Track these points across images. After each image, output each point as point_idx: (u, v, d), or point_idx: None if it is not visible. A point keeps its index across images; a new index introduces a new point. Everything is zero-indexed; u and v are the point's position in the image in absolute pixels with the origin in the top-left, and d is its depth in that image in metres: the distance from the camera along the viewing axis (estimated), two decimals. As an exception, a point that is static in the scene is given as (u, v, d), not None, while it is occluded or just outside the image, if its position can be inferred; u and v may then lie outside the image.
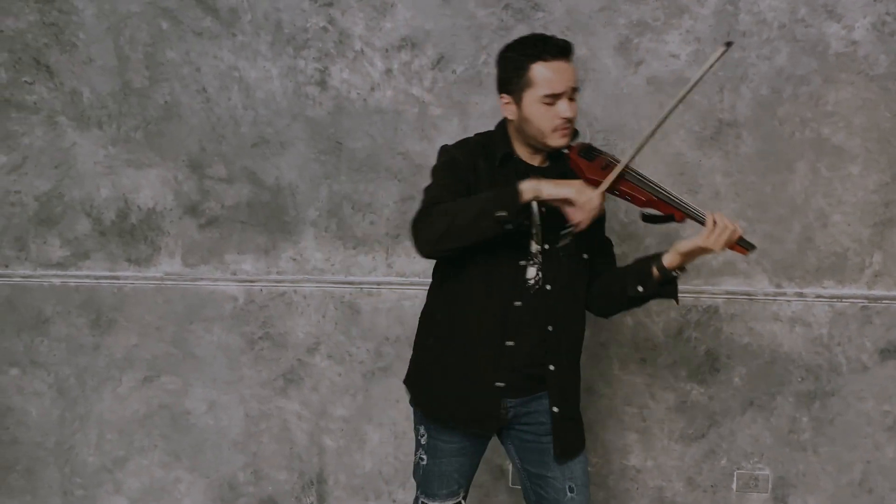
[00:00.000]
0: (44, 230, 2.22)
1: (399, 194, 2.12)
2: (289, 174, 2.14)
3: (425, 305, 1.65)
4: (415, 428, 1.66)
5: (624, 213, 2.08)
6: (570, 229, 1.44)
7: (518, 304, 1.51)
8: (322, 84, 2.08)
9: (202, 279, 2.21)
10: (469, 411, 1.55)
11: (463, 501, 1.68)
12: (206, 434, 2.27)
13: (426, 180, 1.54)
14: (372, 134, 2.10)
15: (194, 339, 2.23)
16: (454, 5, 2.00)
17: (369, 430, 2.24)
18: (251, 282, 2.20)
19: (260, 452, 2.27)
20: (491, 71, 2.02)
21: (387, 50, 2.05)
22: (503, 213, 1.37)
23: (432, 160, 1.58)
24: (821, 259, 2.09)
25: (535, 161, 1.56)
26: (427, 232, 1.42)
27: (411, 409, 1.68)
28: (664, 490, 2.22)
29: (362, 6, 2.02)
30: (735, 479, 2.19)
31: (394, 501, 2.26)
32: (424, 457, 1.63)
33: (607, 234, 2.05)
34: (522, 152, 1.55)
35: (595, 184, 1.44)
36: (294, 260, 2.20)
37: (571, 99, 1.46)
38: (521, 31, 2.00)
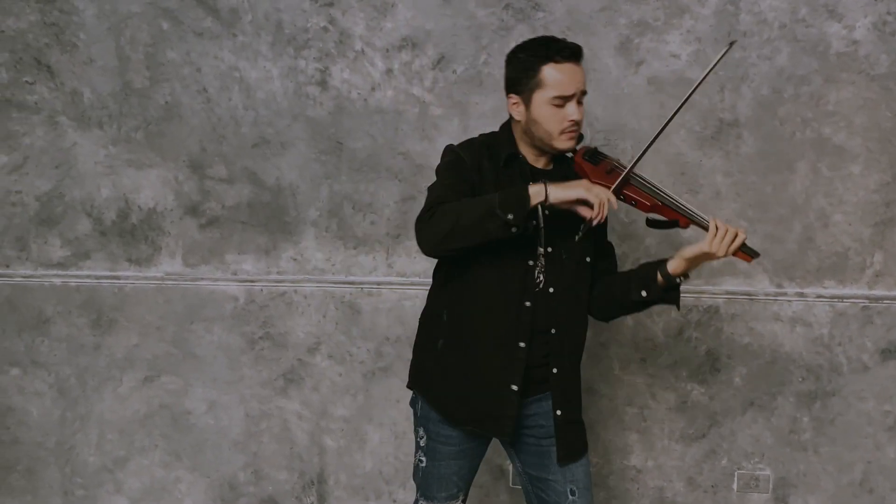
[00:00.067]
0: (44, 230, 2.22)
1: (400, 194, 2.12)
2: (289, 174, 2.14)
3: (427, 307, 1.65)
4: (414, 430, 1.66)
5: (624, 214, 2.08)
6: (584, 225, 1.43)
7: (528, 304, 1.51)
8: (323, 84, 2.08)
9: (203, 279, 2.21)
10: (486, 414, 1.55)
11: None
12: (207, 434, 2.27)
13: (427, 180, 1.55)
14: (372, 134, 2.10)
15: (195, 339, 2.23)
16: (455, 5, 2.00)
17: (370, 430, 2.24)
18: (252, 282, 2.20)
19: (260, 452, 2.27)
20: (491, 71, 2.03)
21: (387, 50, 2.05)
22: (510, 216, 1.36)
23: (433, 160, 1.58)
24: (821, 259, 2.09)
25: (540, 163, 1.56)
26: (431, 231, 1.42)
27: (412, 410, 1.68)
28: (665, 490, 2.22)
29: (363, 6, 2.02)
30: (736, 479, 2.19)
31: (394, 501, 2.26)
32: (424, 459, 1.62)
33: (609, 234, 2.07)
34: (527, 154, 1.55)
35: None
36: (294, 260, 2.20)
37: (579, 102, 1.47)
38: (521, 31, 2.00)
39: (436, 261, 1.61)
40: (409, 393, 1.69)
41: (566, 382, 1.57)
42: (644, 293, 1.50)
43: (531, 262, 1.51)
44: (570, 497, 1.56)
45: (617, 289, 1.56)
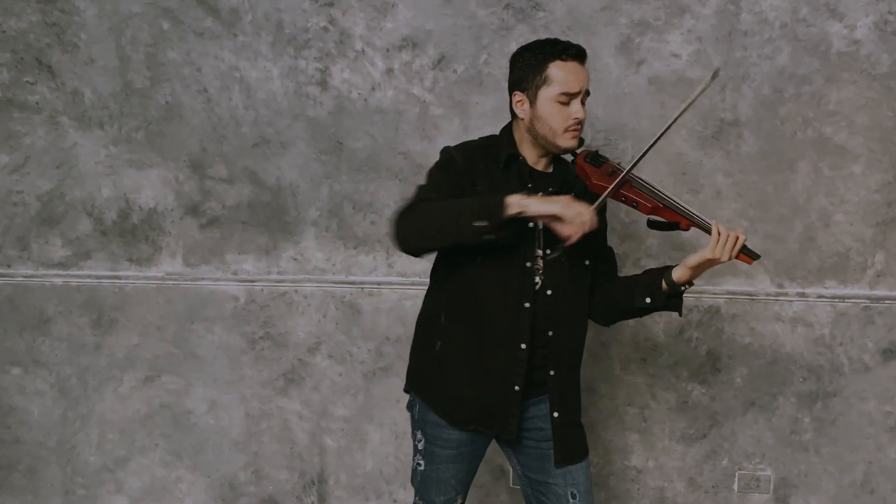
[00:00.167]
0: (45, 230, 2.23)
1: (400, 194, 2.12)
2: (290, 174, 2.14)
3: (424, 308, 1.64)
4: (412, 433, 1.65)
5: (625, 214, 2.08)
6: (560, 244, 1.42)
7: (527, 305, 1.51)
8: (323, 84, 2.08)
9: (203, 279, 2.21)
10: (490, 414, 1.55)
11: None
12: (207, 434, 2.27)
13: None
14: (373, 134, 2.10)
15: (195, 339, 2.23)
16: (455, 5, 2.00)
17: (370, 430, 2.24)
18: (252, 282, 2.20)
19: (261, 452, 2.27)
20: (492, 71, 2.03)
21: (388, 50, 2.05)
22: (483, 224, 1.36)
23: (433, 160, 1.58)
24: (823, 259, 2.09)
25: (540, 165, 1.56)
26: (405, 227, 1.43)
27: None
28: (665, 490, 2.21)
29: (363, 6, 2.02)
30: (736, 479, 2.18)
31: (394, 501, 2.26)
32: (422, 462, 1.62)
33: (609, 234, 2.06)
34: (528, 155, 1.55)
35: (601, 189, 1.46)
36: (295, 260, 2.20)
37: (582, 103, 1.49)
38: (521, 30, 2.00)
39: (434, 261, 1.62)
40: (410, 393, 1.69)
41: (564, 385, 1.57)
42: (648, 300, 1.51)
43: (529, 264, 1.51)
44: (571, 500, 1.56)
45: (620, 294, 1.56)
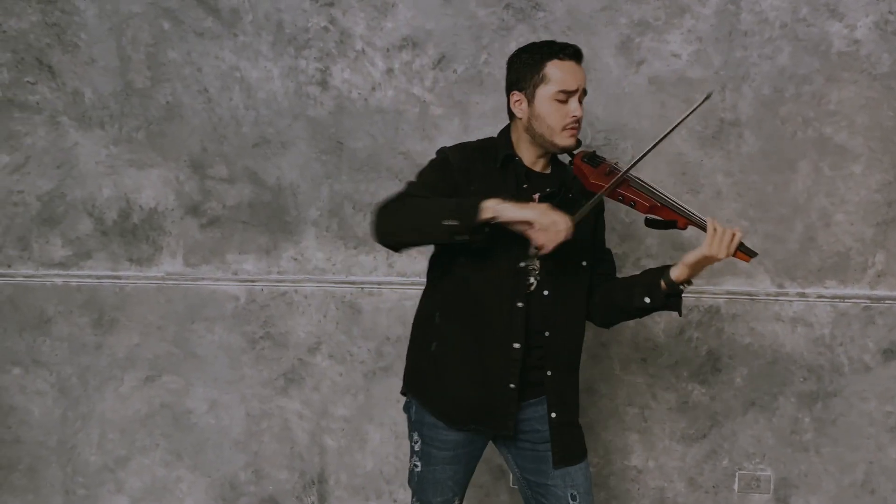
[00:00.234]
0: (46, 230, 2.23)
1: (400, 194, 2.12)
2: (290, 174, 2.14)
3: (419, 309, 1.65)
4: (409, 435, 1.66)
5: (625, 214, 2.08)
6: (535, 251, 1.41)
7: (520, 305, 1.51)
8: (323, 84, 2.08)
9: (203, 279, 2.21)
10: (487, 413, 1.55)
11: None
12: (208, 433, 2.27)
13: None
14: (373, 134, 2.10)
15: (196, 339, 2.23)
16: (455, 5, 2.00)
17: (370, 430, 2.24)
18: (252, 281, 2.20)
19: (261, 452, 2.27)
20: (492, 71, 2.03)
21: (388, 50, 2.05)
22: (453, 223, 1.36)
23: (432, 160, 1.59)
24: (823, 259, 2.09)
25: (538, 166, 1.56)
26: (384, 220, 1.44)
27: None
28: (665, 491, 2.21)
29: (363, 6, 2.02)
30: (737, 479, 2.18)
31: (394, 501, 2.27)
32: (419, 463, 1.62)
33: (609, 234, 2.06)
34: (526, 156, 1.55)
35: (598, 189, 1.46)
36: (295, 260, 2.20)
37: (580, 102, 1.50)
38: (521, 30, 2.00)
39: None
40: (410, 393, 1.68)
41: (562, 385, 1.57)
42: (648, 300, 1.50)
43: (523, 265, 1.51)
44: (571, 502, 1.55)
45: (619, 294, 1.56)
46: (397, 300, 2.17)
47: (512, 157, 1.54)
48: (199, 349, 2.24)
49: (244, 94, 2.10)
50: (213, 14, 2.06)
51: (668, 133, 1.45)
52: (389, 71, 2.06)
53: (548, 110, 1.48)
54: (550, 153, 1.56)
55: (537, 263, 1.51)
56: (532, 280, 1.52)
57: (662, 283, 1.49)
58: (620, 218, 2.08)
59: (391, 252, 2.16)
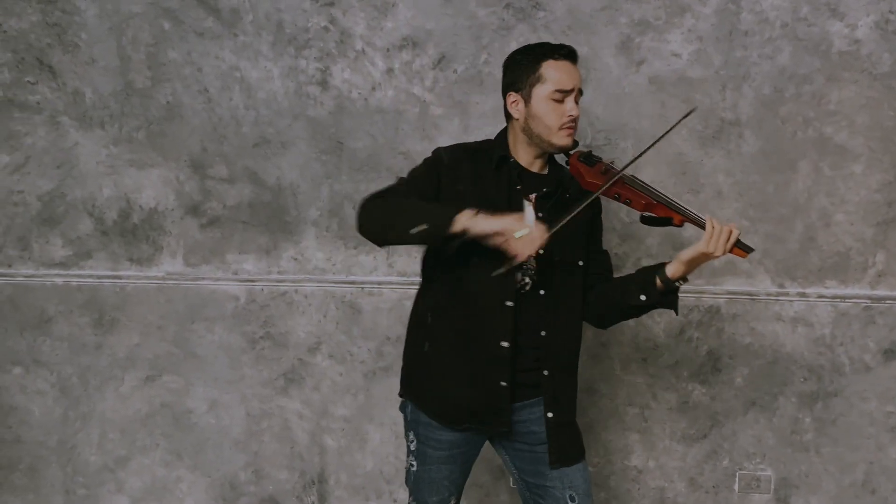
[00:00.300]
0: (46, 230, 2.23)
1: (400, 194, 2.12)
2: (290, 174, 2.14)
3: (413, 310, 1.66)
4: (405, 434, 1.66)
5: (625, 214, 2.07)
6: (509, 262, 1.40)
7: (510, 304, 1.51)
8: (323, 84, 2.08)
9: (204, 279, 2.21)
10: (482, 411, 1.55)
11: None
12: (208, 433, 2.27)
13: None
14: (373, 134, 2.10)
15: (196, 339, 2.24)
16: (455, 5, 2.00)
17: (370, 430, 2.24)
18: (252, 281, 2.20)
19: (261, 452, 2.27)
20: (492, 71, 2.03)
21: (388, 49, 2.05)
22: (422, 229, 1.38)
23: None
24: (823, 259, 2.08)
25: (535, 167, 1.57)
26: (365, 215, 1.47)
27: None
28: (666, 491, 2.21)
29: (363, 6, 2.02)
30: (737, 479, 2.18)
31: (394, 501, 2.27)
32: (414, 463, 1.62)
33: (609, 234, 2.06)
34: (523, 157, 1.56)
35: (594, 187, 1.47)
36: (295, 260, 2.20)
37: (576, 102, 1.51)
38: (522, 30, 2.00)
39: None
40: (409, 393, 1.68)
41: (559, 385, 1.56)
42: (643, 297, 1.49)
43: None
44: (570, 503, 1.55)
45: (615, 293, 1.56)
46: (397, 300, 2.17)
47: (507, 159, 1.55)
48: (200, 349, 2.24)
49: (244, 94, 2.10)
50: (214, 14, 2.06)
51: (664, 136, 1.47)
52: (389, 71, 2.06)
53: (544, 110, 1.49)
54: (548, 154, 1.57)
55: (533, 262, 1.51)
56: (527, 280, 1.52)
57: (658, 281, 1.48)
58: (620, 218, 2.08)
59: (391, 252, 2.17)
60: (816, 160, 2.03)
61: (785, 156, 2.04)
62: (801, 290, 2.10)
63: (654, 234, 2.07)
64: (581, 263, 1.57)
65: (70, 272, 2.24)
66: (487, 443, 1.66)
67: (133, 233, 2.22)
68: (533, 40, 1.90)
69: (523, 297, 1.52)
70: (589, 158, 1.53)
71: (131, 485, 2.31)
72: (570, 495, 1.54)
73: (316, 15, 2.03)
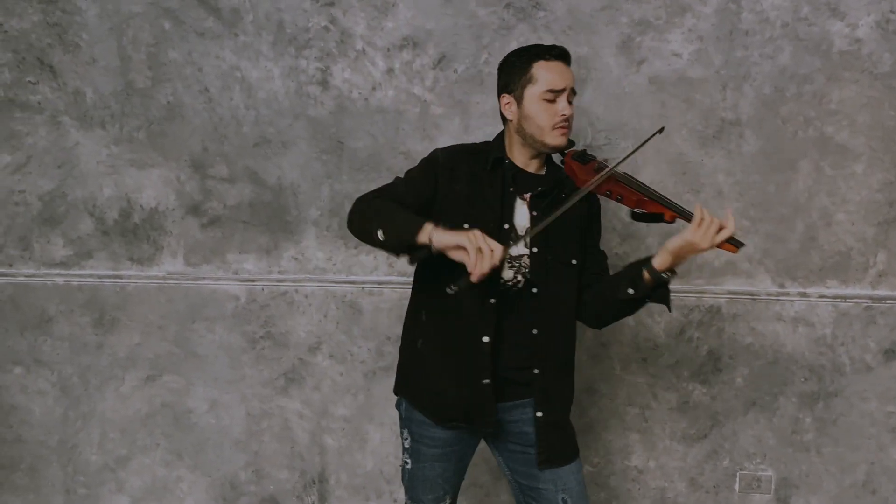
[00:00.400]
0: (47, 229, 2.23)
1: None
2: (290, 174, 2.15)
3: (409, 307, 1.66)
4: (400, 431, 1.66)
5: (625, 213, 2.06)
6: (466, 276, 1.36)
7: (493, 301, 1.50)
8: (324, 84, 2.08)
9: (204, 278, 2.22)
10: (462, 409, 1.54)
11: None
12: (208, 433, 2.27)
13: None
14: (373, 133, 2.10)
15: (196, 339, 2.24)
16: (455, 5, 2.00)
17: (370, 430, 2.24)
18: (253, 281, 2.21)
19: (261, 451, 2.27)
20: (492, 70, 2.02)
21: (388, 49, 2.05)
22: (387, 236, 1.40)
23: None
24: (824, 259, 2.08)
25: (532, 167, 1.57)
26: (354, 213, 1.50)
27: None
28: (666, 491, 2.21)
29: (364, 6, 2.02)
30: (738, 479, 2.18)
31: (395, 501, 2.27)
32: (409, 461, 1.63)
33: (609, 234, 2.06)
34: (519, 158, 1.56)
35: (585, 185, 1.48)
36: (296, 259, 2.20)
37: (569, 102, 1.51)
38: (522, 30, 2.00)
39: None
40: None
41: (550, 384, 1.55)
42: (631, 290, 1.47)
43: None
44: None
45: (606, 290, 1.55)
46: (398, 300, 2.17)
47: (501, 160, 1.55)
48: (200, 349, 2.24)
49: (245, 93, 2.10)
50: (214, 14, 2.06)
51: (655, 134, 1.48)
52: (390, 71, 2.06)
53: (536, 110, 1.49)
54: (544, 154, 1.57)
55: (527, 261, 1.51)
56: (520, 278, 1.52)
57: (646, 273, 1.46)
58: (620, 218, 2.08)
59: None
60: (817, 160, 2.03)
61: (786, 155, 2.03)
62: (801, 289, 2.10)
63: (655, 234, 2.07)
64: (574, 262, 1.56)
65: (71, 272, 2.24)
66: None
67: (134, 232, 2.22)
68: (533, 40, 1.90)
69: (514, 295, 1.52)
70: (582, 157, 1.54)
71: (132, 484, 2.31)
72: (563, 498, 1.53)
73: (316, 15, 2.04)
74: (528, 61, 1.50)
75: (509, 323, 1.52)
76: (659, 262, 1.45)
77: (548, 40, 1.90)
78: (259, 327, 2.22)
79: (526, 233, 1.48)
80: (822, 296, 2.09)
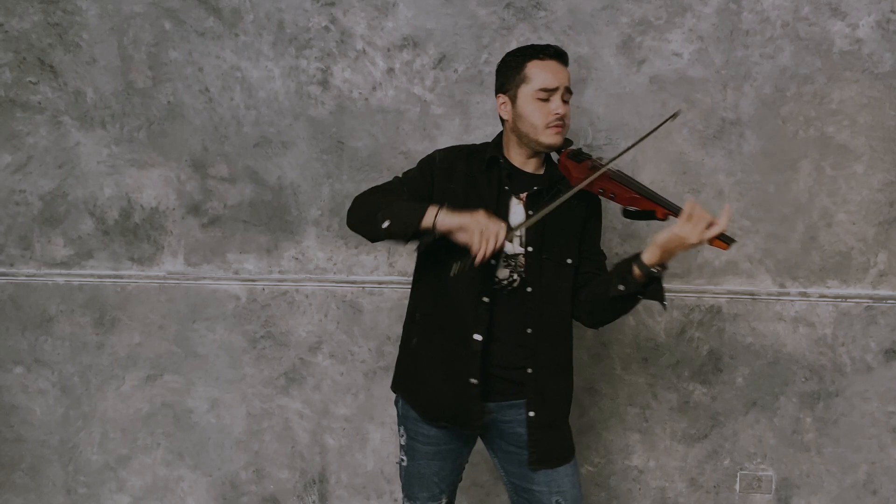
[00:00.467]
0: (48, 229, 2.24)
1: (401, 193, 2.12)
2: (291, 173, 2.15)
3: (408, 305, 1.66)
4: (397, 429, 1.67)
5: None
6: (468, 258, 1.37)
7: (486, 299, 1.50)
8: (324, 84, 2.08)
9: (205, 278, 2.22)
10: (449, 407, 1.54)
11: None
12: (209, 432, 2.27)
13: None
14: (374, 133, 2.10)
15: (197, 338, 2.24)
16: (456, 4, 2.00)
17: (371, 429, 2.24)
18: (253, 281, 2.21)
19: (262, 451, 2.27)
20: (493, 70, 2.02)
21: (388, 49, 2.05)
22: (391, 223, 1.41)
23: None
24: (825, 258, 2.08)
25: (529, 167, 1.57)
26: (352, 209, 1.52)
27: None
28: (666, 491, 2.21)
29: (364, 6, 2.02)
30: (738, 479, 2.18)
31: (395, 500, 2.27)
32: (404, 458, 1.63)
33: (609, 233, 2.06)
34: (516, 157, 1.57)
35: (579, 182, 1.49)
36: (296, 259, 2.20)
37: (565, 101, 1.51)
38: (522, 30, 2.00)
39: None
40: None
41: (544, 384, 1.53)
42: (622, 287, 1.44)
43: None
44: None
45: (599, 287, 1.53)
46: (398, 300, 2.17)
47: (496, 160, 1.56)
48: (201, 348, 2.24)
49: (245, 93, 2.10)
50: (215, 14, 2.06)
51: (652, 132, 1.47)
52: (390, 70, 2.06)
53: (530, 109, 1.50)
54: (542, 154, 1.57)
55: (522, 260, 1.51)
56: (515, 276, 1.52)
57: (635, 269, 1.43)
58: (620, 217, 2.07)
59: (392, 252, 2.17)
60: (818, 160, 2.03)
61: (786, 155, 2.03)
62: (802, 289, 2.10)
63: (655, 234, 2.07)
64: (570, 262, 1.55)
65: (71, 272, 2.25)
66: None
67: (134, 232, 2.22)
68: (533, 40, 1.91)
69: (509, 294, 1.52)
70: (577, 156, 1.54)
71: (132, 484, 2.32)
72: (557, 500, 1.52)
73: (317, 15, 2.04)
74: (523, 61, 1.51)
75: (503, 322, 1.52)
76: (648, 257, 1.41)
77: (548, 40, 1.90)
78: (259, 327, 2.22)
79: (517, 226, 1.47)
80: (822, 296, 2.09)
